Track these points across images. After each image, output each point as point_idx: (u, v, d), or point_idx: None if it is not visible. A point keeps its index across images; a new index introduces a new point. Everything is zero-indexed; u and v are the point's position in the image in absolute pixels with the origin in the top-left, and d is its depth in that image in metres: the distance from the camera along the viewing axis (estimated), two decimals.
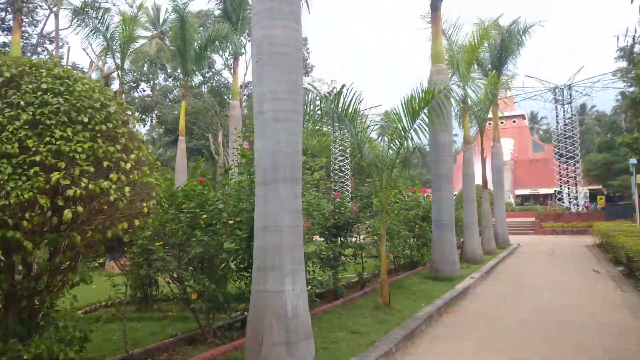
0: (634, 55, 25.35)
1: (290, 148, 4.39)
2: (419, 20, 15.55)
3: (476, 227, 14.29)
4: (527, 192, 53.15)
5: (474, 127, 17.43)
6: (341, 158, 40.94)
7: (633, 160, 22.64)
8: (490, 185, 21.03)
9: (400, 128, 7.55)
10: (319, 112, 6.85)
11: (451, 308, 7.91)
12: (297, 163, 4.49)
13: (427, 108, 7.42)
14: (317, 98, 6.65)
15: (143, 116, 34.84)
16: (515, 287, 10.17)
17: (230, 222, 5.06)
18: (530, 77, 34.00)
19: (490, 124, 20.72)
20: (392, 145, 7.81)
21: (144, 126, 40.10)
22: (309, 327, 4.38)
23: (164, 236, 5.06)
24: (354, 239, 8.99)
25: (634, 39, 13.99)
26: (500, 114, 56.42)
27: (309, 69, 44.52)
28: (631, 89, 28.13)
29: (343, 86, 6.85)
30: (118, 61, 16.92)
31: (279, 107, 4.37)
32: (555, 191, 36.97)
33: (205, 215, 5.10)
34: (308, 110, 6.67)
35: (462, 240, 14.34)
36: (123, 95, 21.36)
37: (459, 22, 14.72)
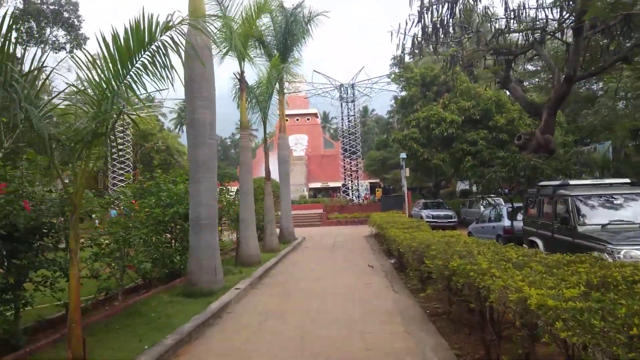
0: (404, 59, 27.84)
1: None
2: None
3: (253, 223, 12.61)
4: (319, 185, 56.28)
5: (257, 113, 15.80)
6: (121, 147, 35.57)
7: (403, 155, 24.68)
8: (276, 177, 20.03)
9: (103, 79, 4.91)
10: None
11: (188, 345, 5.68)
12: None
13: (147, 54, 4.97)
14: None
15: None
16: (286, 295, 8.64)
17: None
18: (318, 72, 35.00)
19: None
20: (91, 106, 5.08)
21: None
22: None
23: None
24: (48, 255, 6.00)
25: (405, 34, 14.08)
26: (295, 112, 58.28)
27: (82, 40, 37.29)
28: (403, 93, 31.12)
29: None
30: None
31: None
32: (342, 184, 39.15)
33: None
34: None
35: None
36: None
37: None
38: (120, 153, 35.94)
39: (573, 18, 14.00)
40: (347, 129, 36.40)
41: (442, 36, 15.49)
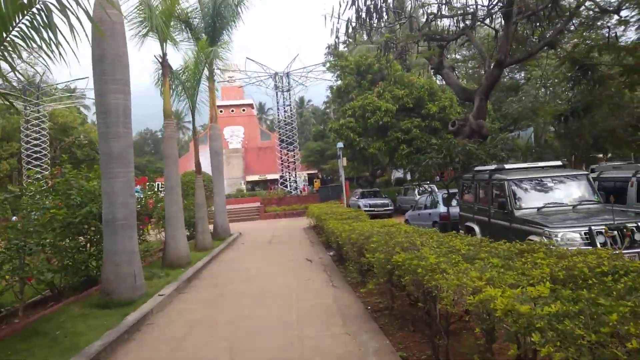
0: (338, 45, 27.51)
1: None
2: None
3: (181, 221, 11.62)
4: (256, 177, 55.03)
5: (184, 101, 14.66)
6: (37, 142, 32.49)
7: (340, 144, 24.39)
8: (208, 170, 18.98)
9: None
10: None
11: None
12: None
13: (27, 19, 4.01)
14: None
15: None
16: (216, 299, 7.86)
17: None
18: (251, 60, 33.78)
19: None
20: None
21: None
22: None
23: None
24: None
25: (339, 17, 13.61)
26: (230, 102, 56.38)
27: None
28: (338, 82, 30.80)
29: None
30: None
31: None
32: (279, 176, 38.40)
33: None
34: None
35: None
36: None
37: None
38: (36, 149, 32.79)
39: (502, 4, 14.31)
40: (283, 119, 35.60)
41: (375, 21, 15.23)
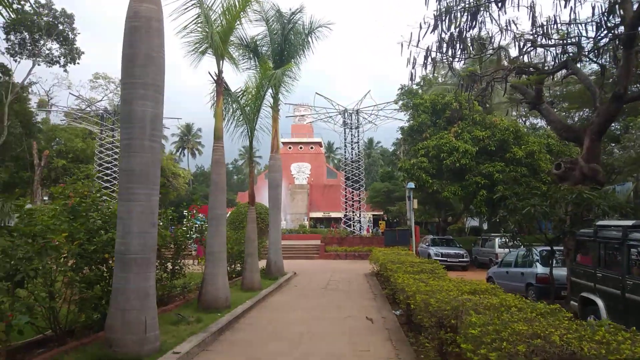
0: (414, 76, 25.80)
1: None
2: None
3: (223, 258, 10.06)
4: (320, 214, 53.95)
5: (242, 127, 13.46)
6: (108, 165, 33.41)
7: (410, 184, 22.23)
8: (265, 202, 17.62)
9: None
10: None
11: None
12: None
13: None
14: None
15: None
16: None
17: None
18: (320, 95, 32.95)
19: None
20: None
21: None
22: None
23: None
24: None
25: (418, 41, 11.95)
26: (299, 140, 56.40)
27: (76, 54, 35.37)
28: (411, 122, 28.97)
29: None
30: None
31: None
32: (343, 215, 36.57)
33: None
34: None
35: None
36: None
37: None
38: (107, 172, 33.69)
39: (611, 35, 11.93)
40: (350, 157, 34.02)
41: (459, 52, 13.31)
